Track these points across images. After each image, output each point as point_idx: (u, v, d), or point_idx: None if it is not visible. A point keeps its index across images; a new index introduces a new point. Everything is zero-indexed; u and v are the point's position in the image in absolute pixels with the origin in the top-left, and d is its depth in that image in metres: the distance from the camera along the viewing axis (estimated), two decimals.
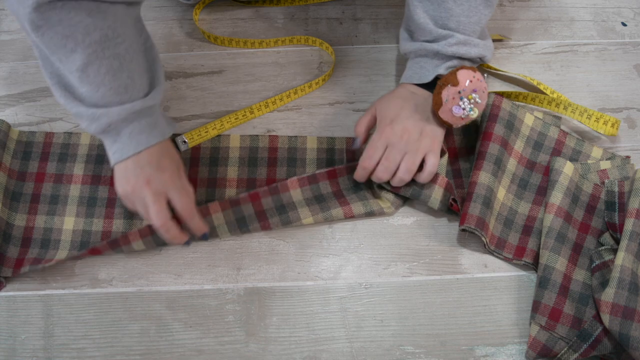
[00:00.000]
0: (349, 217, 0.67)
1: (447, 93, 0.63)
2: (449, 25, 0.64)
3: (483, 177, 0.66)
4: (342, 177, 0.70)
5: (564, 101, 0.72)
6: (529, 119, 0.72)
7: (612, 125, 0.70)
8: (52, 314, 0.63)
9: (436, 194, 0.66)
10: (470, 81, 0.63)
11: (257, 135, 0.72)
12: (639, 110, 0.76)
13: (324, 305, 0.64)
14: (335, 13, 0.84)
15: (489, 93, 0.72)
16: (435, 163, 0.64)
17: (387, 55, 0.80)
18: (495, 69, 0.78)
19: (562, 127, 0.73)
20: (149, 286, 0.64)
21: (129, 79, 0.58)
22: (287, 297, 0.64)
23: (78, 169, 0.70)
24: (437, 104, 0.64)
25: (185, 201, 0.61)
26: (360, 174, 0.66)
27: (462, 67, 0.64)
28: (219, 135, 0.72)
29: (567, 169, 0.66)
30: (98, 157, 0.70)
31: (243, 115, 0.73)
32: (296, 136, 0.72)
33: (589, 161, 0.70)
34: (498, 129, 0.69)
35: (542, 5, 0.85)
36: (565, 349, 0.59)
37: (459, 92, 0.63)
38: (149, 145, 0.60)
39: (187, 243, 0.63)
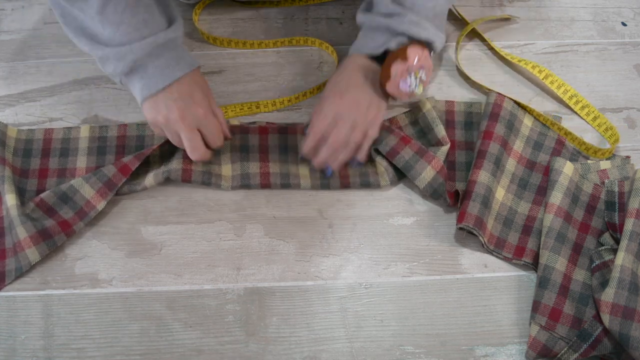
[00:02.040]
0: (344, 175, 0.69)
1: (396, 68, 0.64)
2: (404, 3, 0.65)
3: (483, 176, 0.66)
4: None
5: (564, 129, 0.72)
6: (529, 119, 0.73)
7: (603, 154, 0.71)
8: (52, 314, 0.63)
9: (426, 174, 0.66)
10: (419, 58, 0.64)
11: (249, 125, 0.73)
12: (639, 110, 0.76)
13: (324, 305, 0.64)
14: (335, 13, 0.84)
15: (491, 91, 0.72)
16: (376, 132, 0.66)
17: None
18: (501, 51, 0.78)
19: (563, 126, 0.73)
20: (149, 286, 0.64)
21: (147, 13, 0.61)
22: (287, 297, 0.64)
23: (81, 162, 0.70)
24: (385, 77, 0.65)
25: (215, 134, 0.64)
26: (310, 143, 0.66)
27: (412, 44, 0.65)
28: None
29: (567, 169, 0.66)
30: (99, 149, 0.71)
31: (248, 108, 0.74)
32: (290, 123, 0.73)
33: (589, 161, 0.70)
34: (499, 129, 0.69)
35: (542, 5, 0.85)
36: (565, 349, 0.59)
37: (407, 68, 0.64)
38: (177, 78, 0.62)
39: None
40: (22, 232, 0.62)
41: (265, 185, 0.69)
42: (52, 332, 0.62)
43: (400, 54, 0.64)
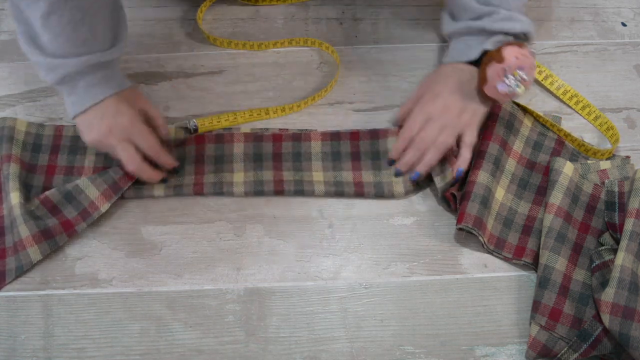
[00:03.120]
0: (357, 183, 0.68)
1: (492, 70, 0.62)
2: (491, 2, 0.64)
3: (482, 176, 0.66)
4: (363, 141, 0.71)
5: (564, 130, 0.72)
6: (529, 119, 0.73)
7: (603, 155, 0.71)
8: (52, 314, 0.63)
9: (448, 175, 0.67)
10: (517, 58, 0.62)
11: (263, 131, 0.73)
12: (639, 110, 0.76)
13: (324, 305, 0.64)
14: (335, 13, 0.84)
15: None
16: (474, 138, 0.65)
17: (387, 56, 0.80)
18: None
19: (563, 127, 0.73)
20: (149, 286, 0.64)
21: (89, 33, 0.61)
22: (287, 297, 0.64)
23: (89, 161, 0.70)
24: (482, 80, 0.64)
25: (147, 141, 0.65)
26: (399, 145, 0.66)
27: (508, 44, 0.63)
28: (229, 128, 0.73)
29: (567, 169, 0.66)
30: None
31: (258, 114, 0.73)
32: (300, 132, 0.73)
33: (588, 161, 0.70)
34: (498, 129, 0.69)
35: (542, 5, 0.85)
36: (565, 349, 0.59)
37: (504, 70, 0.62)
38: (104, 97, 0.64)
39: (164, 181, 0.67)
40: (24, 231, 0.62)
41: (279, 192, 0.68)
42: (52, 332, 0.62)
43: (496, 55, 0.62)
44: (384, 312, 0.63)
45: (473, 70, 0.66)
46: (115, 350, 0.61)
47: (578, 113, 0.75)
